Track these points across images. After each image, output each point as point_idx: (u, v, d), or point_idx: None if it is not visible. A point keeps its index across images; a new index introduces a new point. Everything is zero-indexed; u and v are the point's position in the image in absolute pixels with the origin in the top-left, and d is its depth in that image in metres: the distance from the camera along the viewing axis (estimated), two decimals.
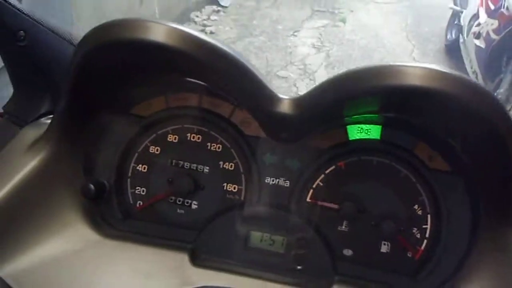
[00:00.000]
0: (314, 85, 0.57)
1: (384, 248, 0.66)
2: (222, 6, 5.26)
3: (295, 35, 4.61)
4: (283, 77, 3.79)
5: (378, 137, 0.67)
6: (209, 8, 5.19)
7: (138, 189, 0.71)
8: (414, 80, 0.50)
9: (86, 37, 0.57)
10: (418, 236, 0.66)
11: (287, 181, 0.68)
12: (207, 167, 0.70)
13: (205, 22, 4.84)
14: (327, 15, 5.09)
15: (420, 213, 0.66)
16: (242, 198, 0.69)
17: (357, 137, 0.67)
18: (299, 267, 0.64)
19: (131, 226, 0.69)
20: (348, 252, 0.67)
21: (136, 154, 0.71)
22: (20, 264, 0.61)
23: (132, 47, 0.55)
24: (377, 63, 0.53)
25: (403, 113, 0.62)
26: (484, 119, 0.52)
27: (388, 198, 0.66)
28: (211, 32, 4.60)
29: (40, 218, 0.64)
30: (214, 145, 0.70)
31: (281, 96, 0.58)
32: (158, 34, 0.53)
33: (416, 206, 0.66)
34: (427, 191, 0.66)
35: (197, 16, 4.95)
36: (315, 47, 4.34)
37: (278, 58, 4.14)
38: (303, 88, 3.78)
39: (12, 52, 0.63)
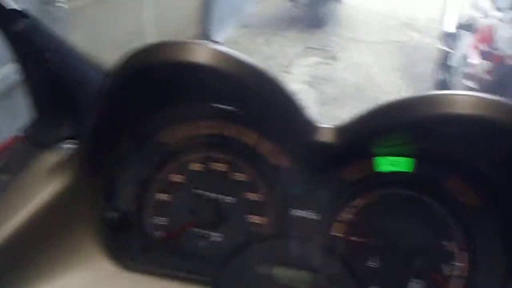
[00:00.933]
0: (356, 114, 0.56)
1: (416, 287, 0.64)
2: (216, 42, 5.32)
3: (287, 71, 4.67)
4: None
5: (409, 170, 0.65)
6: None
7: (159, 219, 0.68)
8: (467, 108, 0.49)
9: (124, 63, 0.55)
10: (452, 274, 0.64)
11: (315, 214, 0.66)
12: (231, 198, 0.67)
13: None
14: (319, 53, 5.17)
15: (454, 250, 0.64)
16: (267, 231, 0.66)
17: (387, 169, 0.66)
18: None
19: (151, 258, 0.66)
20: None
21: (159, 183, 0.68)
22: None
23: (177, 70, 0.54)
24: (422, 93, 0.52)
25: (439, 144, 0.61)
26: None
27: (419, 233, 0.64)
28: None
29: (58, 247, 0.61)
30: (238, 175, 0.67)
31: (321, 124, 0.56)
32: (204, 55, 0.52)
33: (449, 242, 0.64)
34: (460, 226, 0.64)
35: None
36: (307, 83, 4.39)
37: None
38: None
39: (37, 74, 0.61)
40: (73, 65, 0.66)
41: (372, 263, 0.65)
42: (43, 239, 0.59)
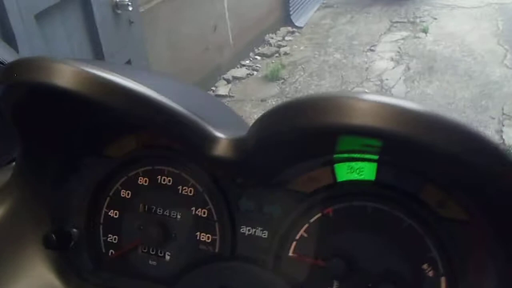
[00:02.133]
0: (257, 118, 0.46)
1: None
2: (297, 27, 5.23)
3: (372, 50, 4.42)
4: None
5: (373, 178, 0.54)
6: (284, 30, 5.19)
7: (110, 236, 0.64)
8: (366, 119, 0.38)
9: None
10: None
11: (265, 231, 0.58)
12: (180, 214, 0.62)
13: (279, 43, 4.84)
14: (407, 26, 4.81)
15: (431, 275, 0.52)
16: (216, 250, 0.60)
17: (347, 178, 0.55)
18: None
19: (103, 278, 0.63)
20: None
21: (108, 199, 0.64)
22: None
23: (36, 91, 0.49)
24: (317, 94, 0.41)
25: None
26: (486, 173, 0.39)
27: (388, 255, 0.53)
28: (285, 53, 4.58)
29: (4, 269, 0.60)
30: (186, 189, 0.61)
31: (218, 135, 0.48)
32: (61, 77, 0.46)
33: (425, 266, 0.52)
34: (439, 246, 0.52)
35: (271, 38, 4.97)
36: (393, 61, 4.11)
37: (354, 75, 3.98)
38: None
39: None
40: None
41: None
42: None
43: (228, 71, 4.15)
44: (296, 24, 5.16)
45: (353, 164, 0.55)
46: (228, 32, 4.21)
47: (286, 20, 5.26)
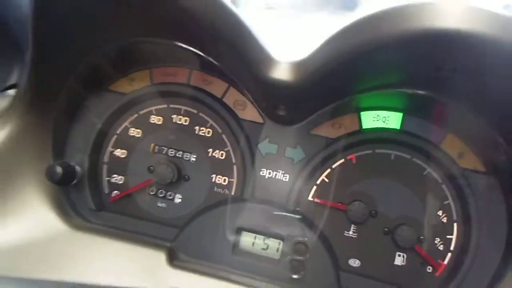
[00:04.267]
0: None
1: (399, 260, 0.55)
2: None
3: None
4: None
5: (398, 127, 0.55)
6: None
7: (115, 177, 0.61)
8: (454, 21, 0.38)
9: None
10: (441, 248, 0.55)
11: (287, 175, 0.57)
12: (194, 155, 0.60)
13: None
14: None
15: (445, 221, 0.55)
16: (233, 192, 0.59)
17: (373, 126, 0.56)
18: (295, 276, 0.54)
19: (105, 218, 0.60)
20: (355, 262, 0.56)
21: (115, 137, 0.61)
22: None
23: None
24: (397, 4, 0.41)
25: (429, 84, 0.50)
26: None
27: (406, 201, 0.55)
28: None
29: (3, 203, 0.55)
30: (203, 130, 0.60)
31: (279, 59, 0.47)
32: None
33: (440, 212, 0.55)
34: (455, 194, 0.55)
35: None
36: None
37: None
38: None
39: None
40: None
41: (350, 233, 0.56)
42: None
43: None
44: None
45: (379, 112, 0.56)
46: None
47: None
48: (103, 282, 0.52)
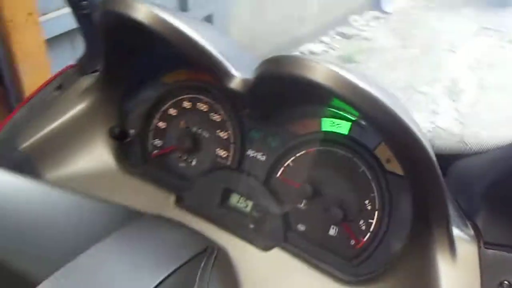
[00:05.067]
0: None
1: (332, 232, 0.73)
2: (385, 12, 5.20)
3: (453, 51, 4.36)
4: (421, 93, 3.65)
5: (346, 133, 0.73)
6: (370, 14, 5.17)
7: (156, 140, 0.88)
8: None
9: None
10: (363, 228, 0.71)
11: (264, 156, 0.79)
12: (207, 133, 0.84)
13: (362, 27, 4.85)
14: (495, 35, 4.68)
15: (369, 208, 0.71)
16: (229, 163, 0.82)
17: (329, 129, 0.74)
18: (252, 226, 0.75)
19: (146, 168, 0.87)
20: (301, 227, 0.75)
21: (160, 113, 0.88)
22: (57, 174, 0.84)
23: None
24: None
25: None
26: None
27: (343, 188, 0.73)
28: (366, 38, 4.60)
29: (79, 145, 0.86)
30: (215, 116, 0.83)
31: (234, 73, 0.69)
32: (140, 13, 0.68)
33: (367, 201, 0.71)
34: (380, 189, 0.71)
35: (355, 21, 4.97)
36: (469, 68, 4.05)
37: (425, 72, 3.98)
38: (445, 106, 3.59)
39: (79, 18, 0.86)
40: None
41: (301, 206, 0.76)
42: (69, 138, 0.85)
43: (305, 44, 4.27)
44: (385, 9, 5.14)
45: (335, 120, 0.74)
46: (313, 4, 4.27)
47: (375, 2, 5.23)
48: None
